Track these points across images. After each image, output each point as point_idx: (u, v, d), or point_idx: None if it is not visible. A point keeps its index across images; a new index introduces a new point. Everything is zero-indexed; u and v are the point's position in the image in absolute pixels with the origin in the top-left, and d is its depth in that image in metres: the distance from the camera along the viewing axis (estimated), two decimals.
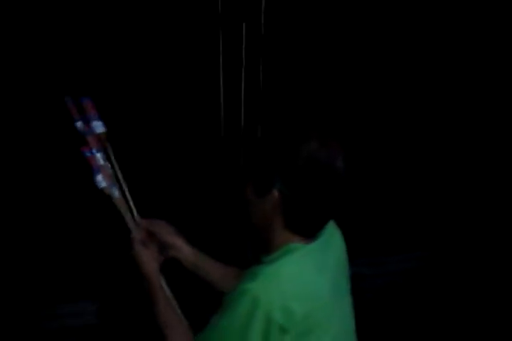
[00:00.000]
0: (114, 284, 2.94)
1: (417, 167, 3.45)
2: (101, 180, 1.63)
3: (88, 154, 1.64)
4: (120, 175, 1.69)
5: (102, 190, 1.63)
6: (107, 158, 1.68)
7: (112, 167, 1.68)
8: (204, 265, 1.78)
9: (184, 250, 1.75)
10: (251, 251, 2.88)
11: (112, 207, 1.65)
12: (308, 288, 1.39)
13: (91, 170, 1.63)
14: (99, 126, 1.66)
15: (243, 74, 2.86)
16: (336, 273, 1.51)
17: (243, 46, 2.80)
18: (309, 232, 1.45)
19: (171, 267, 1.77)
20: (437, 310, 3.34)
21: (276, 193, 1.40)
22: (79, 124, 1.65)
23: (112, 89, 2.70)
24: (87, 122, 1.66)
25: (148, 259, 1.63)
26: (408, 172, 3.44)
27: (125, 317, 2.98)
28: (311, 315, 1.36)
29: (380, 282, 3.45)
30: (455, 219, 3.57)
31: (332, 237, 1.55)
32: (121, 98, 2.72)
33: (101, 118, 1.69)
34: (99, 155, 1.65)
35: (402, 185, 3.44)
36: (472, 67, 3.33)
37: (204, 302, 1.92)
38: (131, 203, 1.71)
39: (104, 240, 2.84)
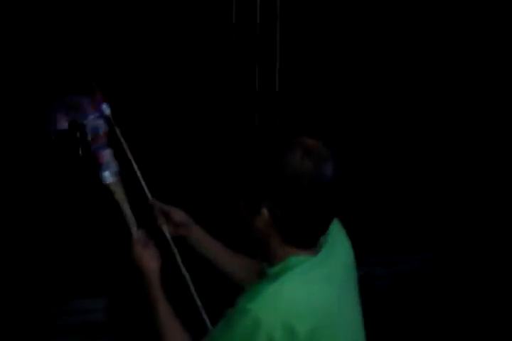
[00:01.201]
0: (123, 281, 2.93)
1: (431, 167, 3.42)
2: (108, 176, 1.61)
3: (98, 149, 1.62)
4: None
5: (107, 187, 1.62)
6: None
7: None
8: (211, 245, 1.81)
9: (193, 228, 1.80)
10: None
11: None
12: (313, 304, 1.35)
13: (97, 166, 1.61)
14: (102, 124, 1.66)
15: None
16: (343, 279, 1.46)
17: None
18: (309, 243, 1.40)
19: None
20: (447, 311, 3.30)
21: (266, 212, 1.35)
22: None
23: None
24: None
25: (148, 260, 1.60)
26: (422, 173, 3.41)
27: (134, 314, 2.96)
28: (316, 331, 1.32)
29: (390, 282, 3.42)
30: (468, 220, 3.53)
31: (337, 241, 1.50)
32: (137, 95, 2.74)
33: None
34: (107, 152, 1.63)
35: (416, 185, 3.41)
36: (472, 67, 3.31)
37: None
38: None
39: (114, 237, 2.85)
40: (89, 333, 3.00)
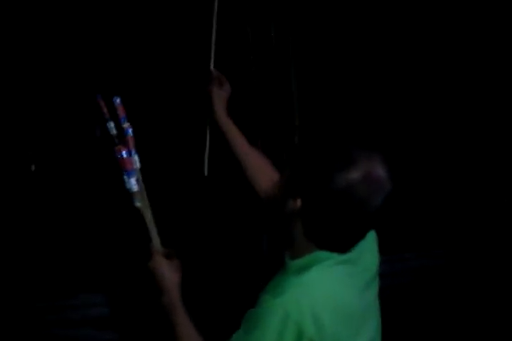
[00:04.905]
0: (128, 276, 2.94)
1: (440, 163, 3.43)
2: (134, 184, 1.55)
3: (124, 155, 1.55)
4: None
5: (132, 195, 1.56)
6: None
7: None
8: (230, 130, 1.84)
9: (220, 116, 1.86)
10: (267, 246, 2.83)
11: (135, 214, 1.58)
12: (339, 302, 1.33)
13: (121, 173, 1.55)
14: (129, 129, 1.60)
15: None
16: (367, 284, 1.45)
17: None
18: (329, 248, 1.35)
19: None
20: (457, 308, 3.29)
21: (299, 202, 1.31)
22: (111, 124, 1.59)
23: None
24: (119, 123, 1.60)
25: (170, 272, 1.52)
26: (431, 168, 3.41)
27: (138, 309, 2.97)
28: (340, 329, 1.31)
29: (399, 279, 3.37)
30: (477, 217, 3.52)
31: (368, 247, 1.47)
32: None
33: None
34: (136, 158, 1.58)
35: (424, 181, 3.40)
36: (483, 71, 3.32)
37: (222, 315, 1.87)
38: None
39: (125, 232, 2.85)
40: (93, 327, 3.00)
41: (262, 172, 1.76)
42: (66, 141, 2.72)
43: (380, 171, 1.29)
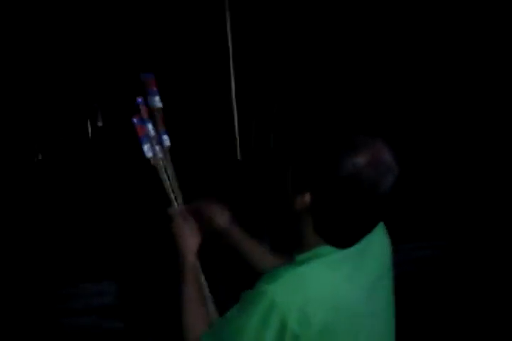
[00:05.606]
0: (135, 266, 2.97)
1: (436, 155, 3.44)
2: (148, 150, 1.60)
3: (138, 123, 1.61)
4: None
5: (148, 160, 1.61)
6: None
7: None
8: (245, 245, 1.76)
9: (235, 237, 1.74)
10: (269, 246, 2.84)
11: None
12: (336, 296, 1.31)
13: (138, 140, 1.61)
14: (157, 101, 1.65)
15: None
16: (377, 279, 1.41)
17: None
18: (338, 243, 1.34)
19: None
20: (459, 298, 3.28)
21: (308, 196, 1.31)
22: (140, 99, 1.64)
23: None
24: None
25: (190, 234, 1.54)
26: (435, 161, 3.43)
27: (145, 297, 2.99)
28: (332, 325, 1.29)
29: (402, 269, 3.34)
30: (477, 209, 3.53)
31: (376, 240, 1.43)
32: None
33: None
34: (150, 126, 1.63)
35: (429, 174, 3.41)
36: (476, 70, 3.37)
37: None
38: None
39: (127, 223, 2.86)
40: (100, 315, 3.00)
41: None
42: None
43: (385, 154, 1.29)
